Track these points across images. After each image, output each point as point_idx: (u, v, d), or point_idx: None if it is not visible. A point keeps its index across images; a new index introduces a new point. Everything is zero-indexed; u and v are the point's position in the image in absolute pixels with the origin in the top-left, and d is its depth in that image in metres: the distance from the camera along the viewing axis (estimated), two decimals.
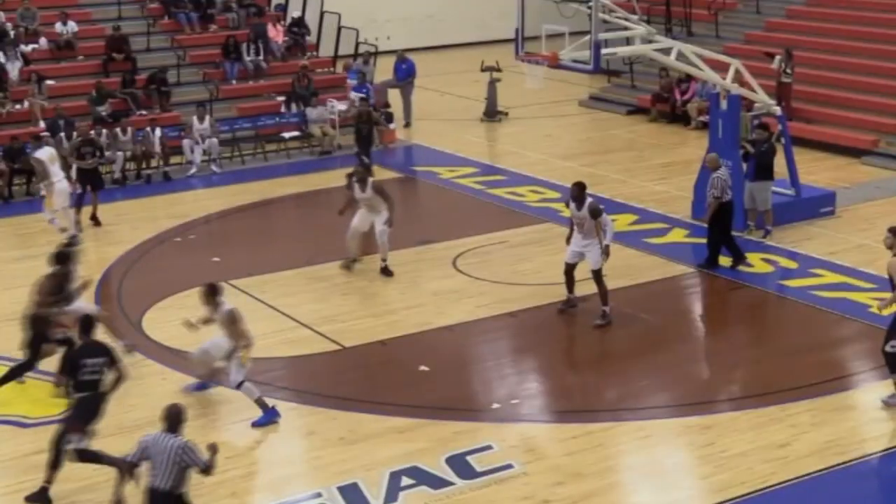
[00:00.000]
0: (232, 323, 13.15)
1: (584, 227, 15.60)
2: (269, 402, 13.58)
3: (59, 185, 19.71)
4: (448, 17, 38.24)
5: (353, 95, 25.79)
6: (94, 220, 20.28)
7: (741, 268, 17.40)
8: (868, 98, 25.10)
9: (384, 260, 17.62)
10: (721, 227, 17.33)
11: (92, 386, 11.62)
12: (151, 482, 10.00)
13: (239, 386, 13.05)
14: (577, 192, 15.58)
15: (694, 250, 18.55)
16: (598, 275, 15.57)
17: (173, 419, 10.12)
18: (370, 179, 17.72)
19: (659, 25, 27.08)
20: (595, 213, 15.42)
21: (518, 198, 21.19)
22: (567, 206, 15.90)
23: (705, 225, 17.64)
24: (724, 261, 17.82)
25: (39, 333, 13.69)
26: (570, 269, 15.88)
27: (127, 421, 13.12)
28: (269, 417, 13.07)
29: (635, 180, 22.47)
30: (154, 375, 14.30)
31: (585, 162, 24.28)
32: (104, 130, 23.27)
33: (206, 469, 10.12)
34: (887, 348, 12.67)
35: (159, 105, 25.46)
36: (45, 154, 19.96)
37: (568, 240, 15.94)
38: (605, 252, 15.50)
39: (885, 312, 13.05)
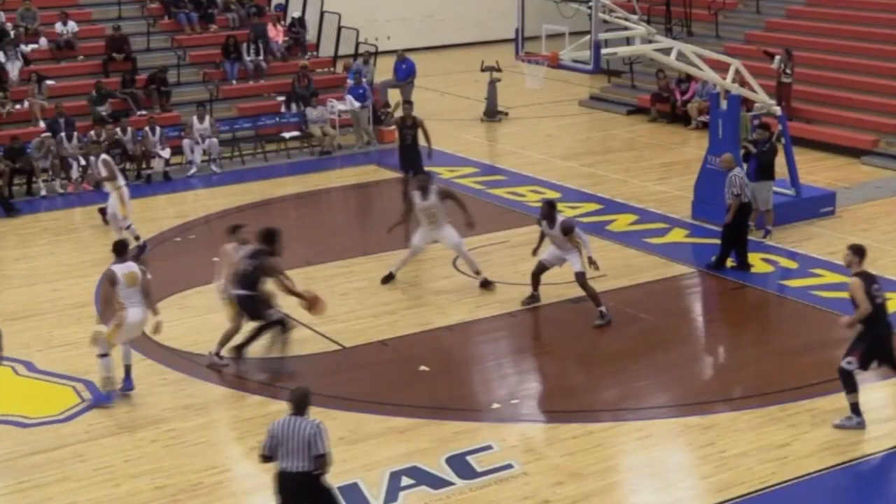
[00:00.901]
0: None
1: (558, 244, 15.68)
2: (270, 402, 13.59)
3: (126, 189, 19.11)
4: (448, 17, 38.26)
5: (350, 99, 25.72)
6: (103, 213, 19.83)
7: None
8: (868, 98, 25.11)
9: (478, 273, 16.83)
10: (738, 229, 17.21)
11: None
12: (285, 466, 9.86)
13: None
14: (548, 211, 15.65)
15: (694, 250, 18.55)
16: (582, 278, 15.58)
17: (301, 401, 9.99)
18: (433, 186, 16.69)
19: (659, 25, 27.08)
20: (567, 231, 15.48)
21: (518, 198, 21.19)
22: (539, 224, 15.88)
23: (717, 227, 17.55)
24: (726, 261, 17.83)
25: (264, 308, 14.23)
26: (542, 270, 15.95)
27: (127, 421, 13.13)
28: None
29: (635, 180, 22.47)
30: (154, 375, 14.30)
31: (585, 162, 24.28)
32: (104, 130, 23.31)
33: (324, 460, 9.90)
34: (843, 364, 12.33)
35: (159, 105, 25.47)
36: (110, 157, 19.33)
37: (535, 251, 16.02)
38: (592, 263, 15.42)
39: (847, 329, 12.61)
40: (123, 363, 13.68)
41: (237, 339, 14.36)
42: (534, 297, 16.16)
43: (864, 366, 12.34)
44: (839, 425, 12.49)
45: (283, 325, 14.34)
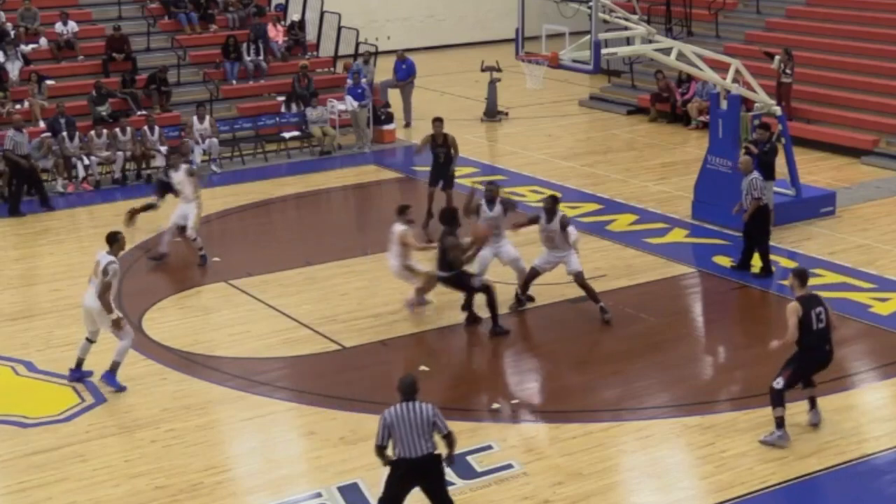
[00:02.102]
0: None
1: (554, 240, 15.63)
2: (270, 402, 13.61)
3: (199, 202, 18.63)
4: (448, 17, 38.27)
5: (350, 100, 25.72)
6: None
7: (732, 266, 17.40)
8: (868, 98, 25.11)
9: (522, 292, 16.29)
10: (760, 232, 17.08)
11: None
12: (404, 453, 10.00)
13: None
14: (551, 205, 15.63)
15: (694, 250, 18.56)
16: (581, 277, 15.62)
17: (410, 388, 10.15)
18: (499, 197, 16.31)
19: (659, 25, 27.09)
20: (565, 225, 15.55)
21: (518, 198, 21.16)
22: (537, 220, 15.77)
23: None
24: (725, 261, 17.84)
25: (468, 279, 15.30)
26: (534, 276, 15.90)
27: (127, 421, 13.13)
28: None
29: (635, 180, 22.48)
30: (154, 375, 14.30)
31: (585, 162, 24.28)
32: (104, 130, 23.30)
33: (452, 436, 10.16)
34: (774, 384, 12.17)
35: (159, 105, 25.47)
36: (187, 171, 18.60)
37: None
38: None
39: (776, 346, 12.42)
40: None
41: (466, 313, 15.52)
42: (521, 302, 16.12)
43: (790, 386, 12.22)
44: (764, 441, 12.23)
45: (488, 290, 15.21)
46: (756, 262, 17.25)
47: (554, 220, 15.54)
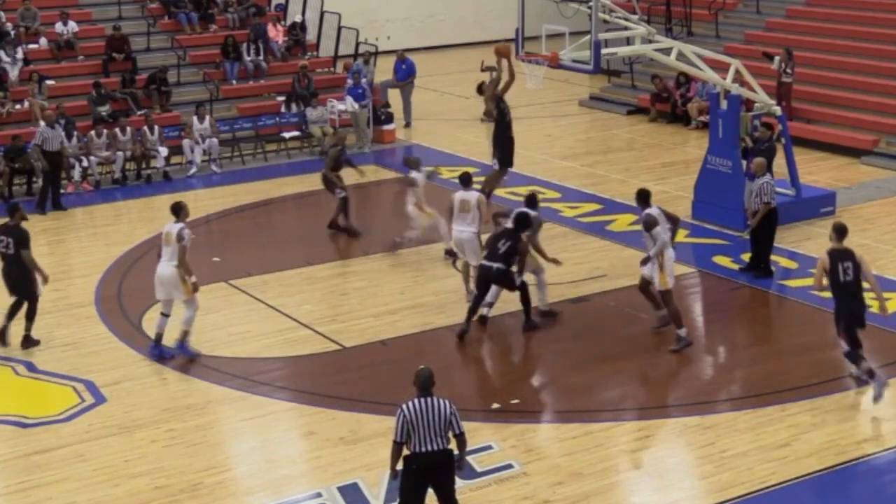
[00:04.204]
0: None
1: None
2: (270, 402, 13.61)
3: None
4: (448, 17, 38.26)
5: (350, 100, 25.71)
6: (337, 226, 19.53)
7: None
8: (868, 98, 25.11)
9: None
10: (767, 233, 17.07)
11: None
12: (422, 448, 9.89)
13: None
14: (643, 197, 15.18)
15: (694, 250, 18.55)
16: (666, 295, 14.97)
17: (427, 382, 10.01)
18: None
19: (659, 25, 27.08)
20: (649, 226, 14.75)
21: (518, 198, 21.15)
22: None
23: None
24: (724, 260, 17.84)
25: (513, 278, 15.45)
26: (646, 285, 15.23)
27: (127, 421, 13.14)
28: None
29: (635, 180, 22.43)
30: (154, 375, 14.31)
31: (585, 162, 24.28)
32: (104, 130, 23.30)
33: (464, 437, 10.13)
34: (842, 351, 12.52)
35: (159, 105, 25.47)
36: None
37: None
38: (651, 260, 14.76)
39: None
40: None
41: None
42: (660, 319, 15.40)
43: (853, 344, 12.95)
44: (876, 398, 12.99)
45: (524, 287, 15.41)
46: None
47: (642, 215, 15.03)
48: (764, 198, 16.82)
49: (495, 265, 15.12)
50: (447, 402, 10.02)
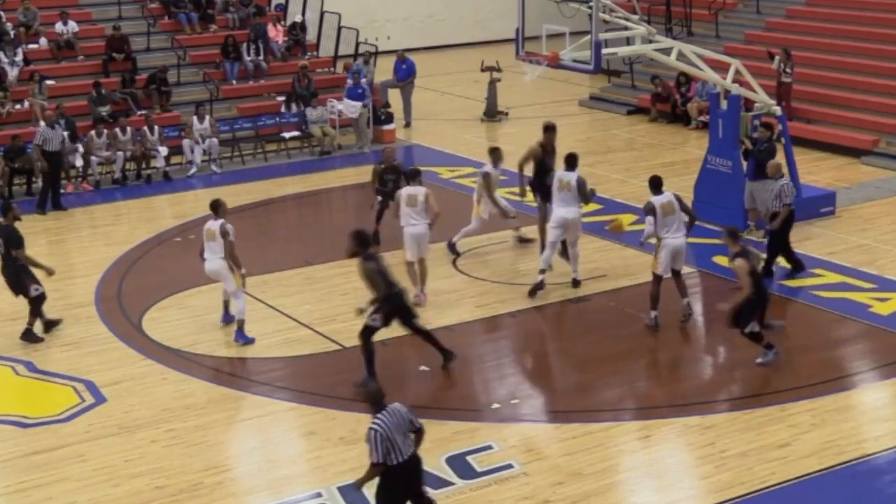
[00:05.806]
0: None
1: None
2: (270, 402, 13.62)
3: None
4: (448, 17, 38.27)
5: (348, 103, 25.67)
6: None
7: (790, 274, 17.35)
8: (868, 98, 25.11)
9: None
10: (781, 234, 17.03)
11: None
12: (398, 459, 9.72)
13: None
14: (654, 184, 15.73)
15: (694, 250, 18.53)
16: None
17: (379, 396, 9.84)
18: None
19: (659, 25, 27.07)
20: (645, 212, 15.70)
21: (518, 198, 21.17)
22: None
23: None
24: (724, 260, 17.80)
25: None
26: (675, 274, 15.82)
27: (127, 421, 13.14)
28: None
29: (635, 180, 22.45)
30: (154, 375, 14.31)
31: (585, 162, 24.13)
32: (105, 130, 23.30)
33: (421, 432, 10.05)
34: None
35: (159, 105, 25.47)
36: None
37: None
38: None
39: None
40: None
41: None
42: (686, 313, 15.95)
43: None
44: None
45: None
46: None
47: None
48: (785, 199, 16.78)
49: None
50: (400, 404, 9.89)
